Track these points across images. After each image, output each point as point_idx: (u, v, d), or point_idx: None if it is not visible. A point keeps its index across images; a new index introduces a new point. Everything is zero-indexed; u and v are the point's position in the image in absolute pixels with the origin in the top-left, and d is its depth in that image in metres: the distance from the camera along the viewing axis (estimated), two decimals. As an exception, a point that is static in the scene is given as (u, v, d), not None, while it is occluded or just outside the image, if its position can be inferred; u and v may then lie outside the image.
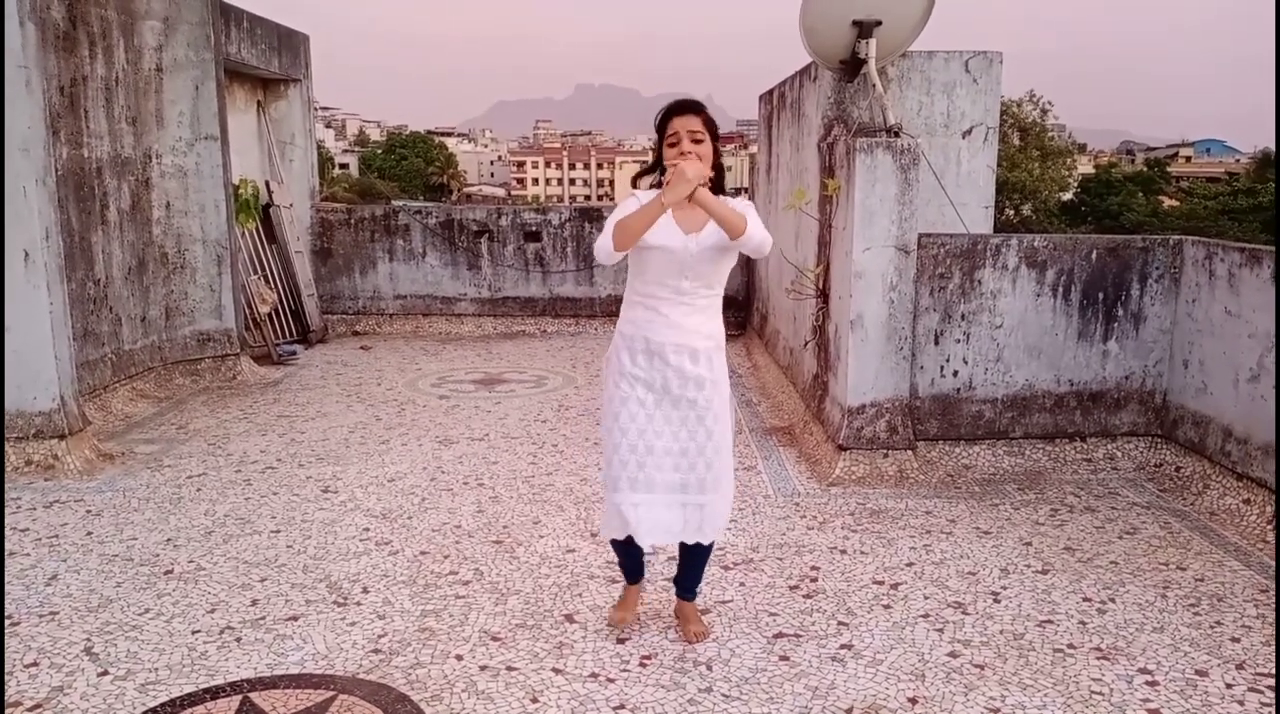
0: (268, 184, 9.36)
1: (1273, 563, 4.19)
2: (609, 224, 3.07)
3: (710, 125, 3.13)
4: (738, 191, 3.22)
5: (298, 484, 5.25)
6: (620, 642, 3.51)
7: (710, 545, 3.43)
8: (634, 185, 3.30)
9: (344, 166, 70.59)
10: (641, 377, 3.21)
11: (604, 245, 3.07)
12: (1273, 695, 3.17)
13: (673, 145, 3.10)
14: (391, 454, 5.81)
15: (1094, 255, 5.41)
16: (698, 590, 3.62)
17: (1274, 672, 3.32)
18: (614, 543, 3.49)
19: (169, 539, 4.47)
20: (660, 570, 4.10)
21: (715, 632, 3.58)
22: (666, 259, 3.12)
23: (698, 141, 3.08)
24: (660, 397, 3.21)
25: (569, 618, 3.69)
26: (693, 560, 3.48)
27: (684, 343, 3.17)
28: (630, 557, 3.53)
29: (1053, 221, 37.33)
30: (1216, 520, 4.69)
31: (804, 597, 3.89)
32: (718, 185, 3.15)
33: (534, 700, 3.13)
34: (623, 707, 3.10)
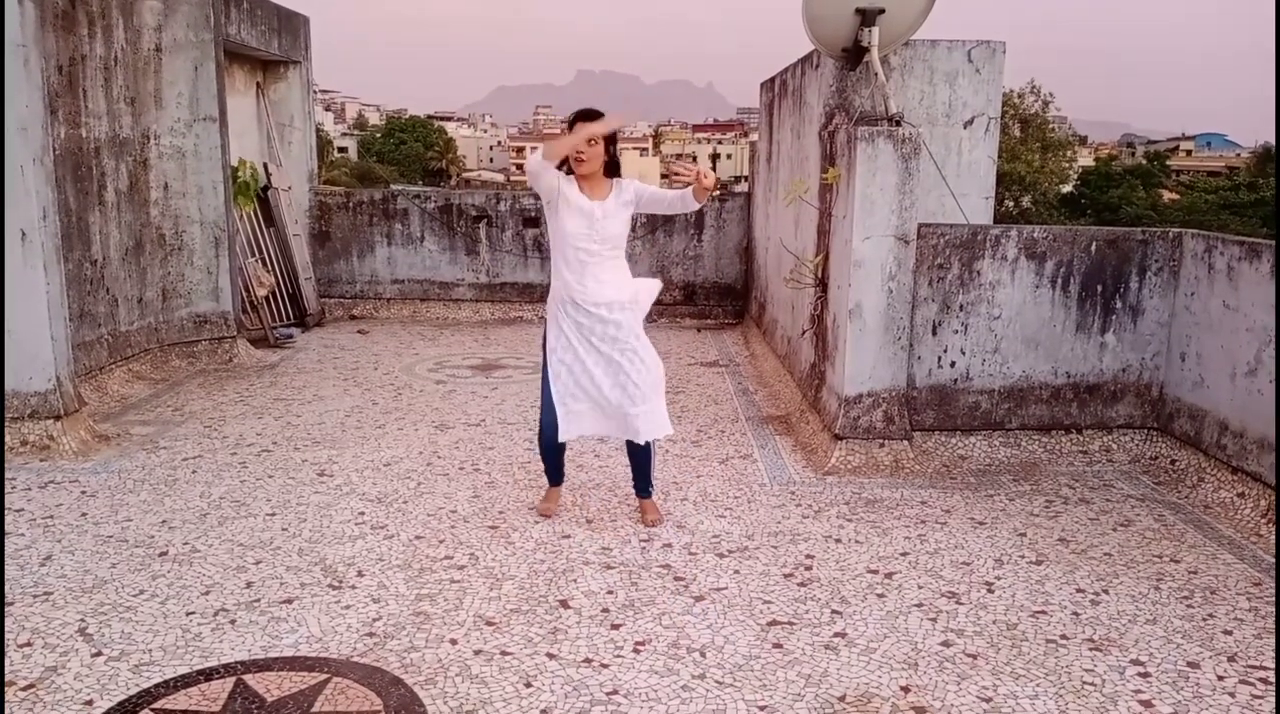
0: (266, 166, 9.32)
1: (1266, 556, 4.20)
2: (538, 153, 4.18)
3: (608, 134, 4.14)
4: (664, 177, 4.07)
5: (293, 467, 5.25)
6: (615, 627, 3.52)
7: (649, 447, 4.40)
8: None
9: (343, 150, 70.24)
10: (572, 321, 4.21)
11: (535, 158, 4.11)
12: (1264, 688, 3.18)
13: (578, 155, 4.12)
14: (388, 438, 5.81)
15: (1093, 247, 5.41)
16: (651, 489, 4.54)
17: (1265, 664, 3.33)
18: (543, 451, 4.51)
19: (164, 521, 4.47)
20: (656, 558, 4.12)
21: (709, 619, 3.59)
22: (579, 220, 4.14)
23: (593, 145, 4.09)
24: (588, 333, 4.19)
25: (563, 603, 3.70)
26: (638, 461, 4.47)
27: (603, 296, 4.16)
28: (552, 461, 4.55)
29: (1052, 214, 37.26)
30: (1211, 514, 4.70)
31: (798, 585, 3.90)
32: (612, 170, 4.23)
33: (528, 685, 3.14)
34: (616, 692, 3.10)
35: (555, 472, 4.62)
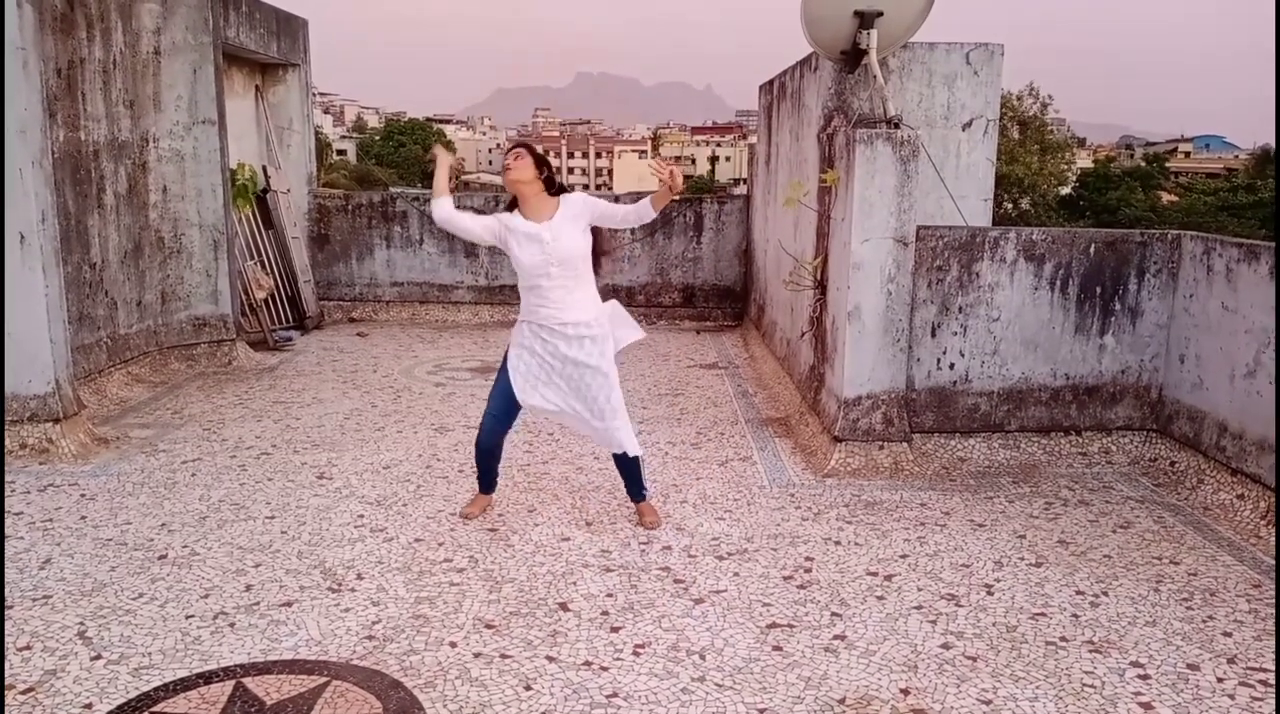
0: (265, 169, 9.33)
1: (1265, 558, 4.20)
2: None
3: (532, 152, 4.26)
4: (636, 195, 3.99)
5: (293, 470, 5.25)
6: (614, 630, 3.51)
7: (635, 459, 4.40)
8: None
9: (342, 153, 70.27)
10: (538, 338, 4.23)
11: (434, 206, 4.30)
12: (1264, 690, 3.18)
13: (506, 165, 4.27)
14: (387, 441, 5.81)
15: (1092, 249, 5.41)
16: (645, 493, 4.56)
17: (1265, 666, 3.33)
18: (478, 452, 4.49)
19: (163, 524, 4.46)
20: (655, 560, 4.12)
21: (709, 621, 3.59)
22: (532, 248, 4.15)
23: (518, 158, 4.20)
24: (553, 350, 4.22)
25: (563, 606, 3.70)
26: (627, 469, 4.49)
27: (566, 318, 4.18)
28: (486, 463, 4.54)
29: (1051, 216, 37.24)
30: (1210, 515, 4.70)
31: (798, 587, 3.90)
32: (551, 183, 4.24)
33: (527, 688, 3.13)
34: (616, 695, 3.10)
35: (487, 477, 4.60)
